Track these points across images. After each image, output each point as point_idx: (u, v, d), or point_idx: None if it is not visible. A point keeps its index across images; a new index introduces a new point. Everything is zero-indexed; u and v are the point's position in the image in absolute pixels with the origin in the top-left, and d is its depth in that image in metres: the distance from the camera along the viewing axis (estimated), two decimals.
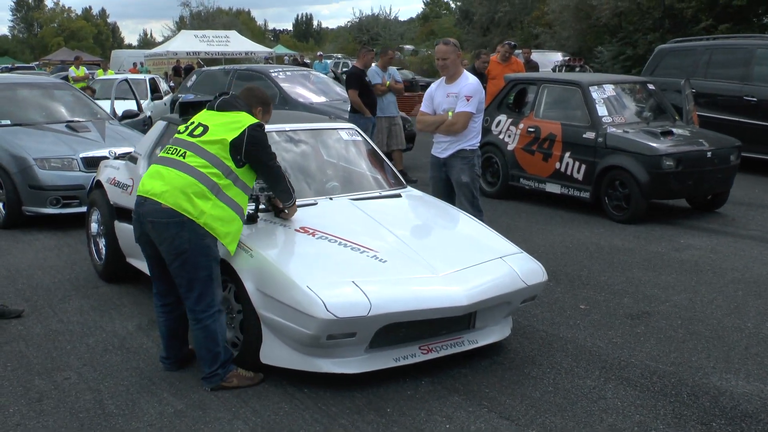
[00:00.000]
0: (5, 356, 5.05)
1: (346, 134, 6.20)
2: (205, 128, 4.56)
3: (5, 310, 5.77)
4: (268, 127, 4.99)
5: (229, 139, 4.46)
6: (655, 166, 8.44)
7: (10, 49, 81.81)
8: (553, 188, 9.54)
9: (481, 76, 11.50)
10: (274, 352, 4.53)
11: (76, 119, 9.93)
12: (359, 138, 6.24)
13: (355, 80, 10.91)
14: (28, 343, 5.29)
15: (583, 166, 9.09)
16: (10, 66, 40.05)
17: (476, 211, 6.49)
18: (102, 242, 6.60)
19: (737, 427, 4.09)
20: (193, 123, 4.68)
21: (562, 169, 9.34)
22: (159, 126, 6.37)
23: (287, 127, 5.94)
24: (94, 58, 50.66)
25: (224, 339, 4.54)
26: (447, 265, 4.73)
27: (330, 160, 6.03)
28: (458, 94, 6.49)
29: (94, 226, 6.77)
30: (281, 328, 4.39)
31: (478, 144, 6.69)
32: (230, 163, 4.48)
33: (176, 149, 4.57)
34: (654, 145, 8.57)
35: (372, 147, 6.31)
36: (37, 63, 53.04)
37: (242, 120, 4.57)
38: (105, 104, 12.19)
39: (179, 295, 4.59)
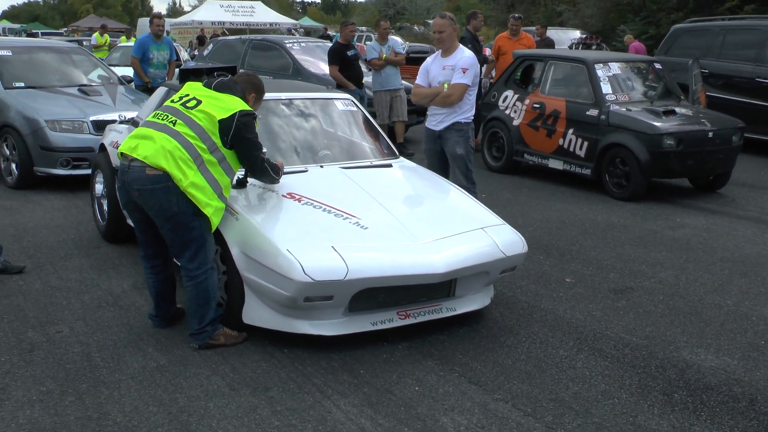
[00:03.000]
0: (3, 309, 5.25)
1: (342, 104, 6.31)
2: (198, 102, 4.64)
3: (8, 266, 5.97)
4: (264, 96, 5.16)
5: (218, 118, 4.54)
6: (655, 145, 8.48)
7: (41, 15, 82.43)
8: (555, 164, 9.61)
9: (476, 39, 11.45)
10: (255, 313, 4.69)
11: (89, 83, 10.12)
12: (354, 108, 6.36)
13: (334, 56, 11.25)
14: (27, 297, 5.48)
15: (586, 143, 9.14)
16: (29, 33, 40.31)
17: (470, 183, 6.60)
18: (105, 203, 6.78)
19: (697, 398, 4.20)
20: (187, 95, 4.74)
21: (565, 146, 9.40)
22: (160, 92, 6.51)
23: (283, 95, 6.06)
24: (121, 26, 50.77)
25: (215, 296, 4.66)
26: (427, 233, 4.84)
27: (324, 128, 6.15)
28: (454, 66, 6.58)
29: (98, 188, 6.93)
30: (262, 289, 4.54)
31: (473, 117, 6.78)
32: (217, 140, 4.55)
33: (167, 116, 4.64)
34: (655, 123, 8.60)
35: (367, 117, 6.42)
36: (66, 29, 53.26)
37: (235, 104, 4.64)
38: (126, 71, 12.47)
39: (166, 257, 4.74)
